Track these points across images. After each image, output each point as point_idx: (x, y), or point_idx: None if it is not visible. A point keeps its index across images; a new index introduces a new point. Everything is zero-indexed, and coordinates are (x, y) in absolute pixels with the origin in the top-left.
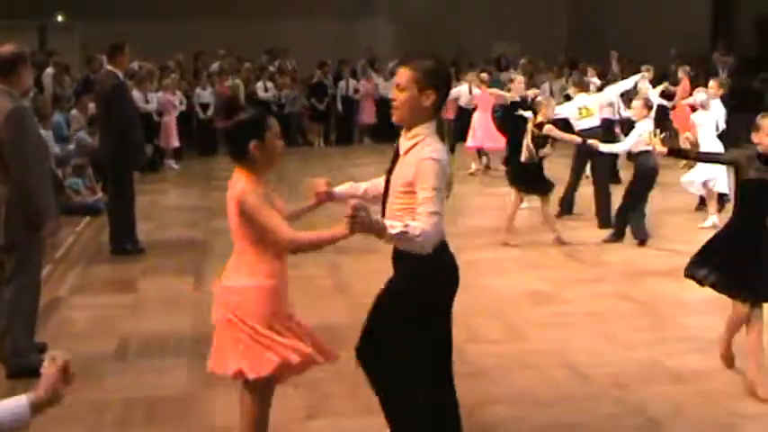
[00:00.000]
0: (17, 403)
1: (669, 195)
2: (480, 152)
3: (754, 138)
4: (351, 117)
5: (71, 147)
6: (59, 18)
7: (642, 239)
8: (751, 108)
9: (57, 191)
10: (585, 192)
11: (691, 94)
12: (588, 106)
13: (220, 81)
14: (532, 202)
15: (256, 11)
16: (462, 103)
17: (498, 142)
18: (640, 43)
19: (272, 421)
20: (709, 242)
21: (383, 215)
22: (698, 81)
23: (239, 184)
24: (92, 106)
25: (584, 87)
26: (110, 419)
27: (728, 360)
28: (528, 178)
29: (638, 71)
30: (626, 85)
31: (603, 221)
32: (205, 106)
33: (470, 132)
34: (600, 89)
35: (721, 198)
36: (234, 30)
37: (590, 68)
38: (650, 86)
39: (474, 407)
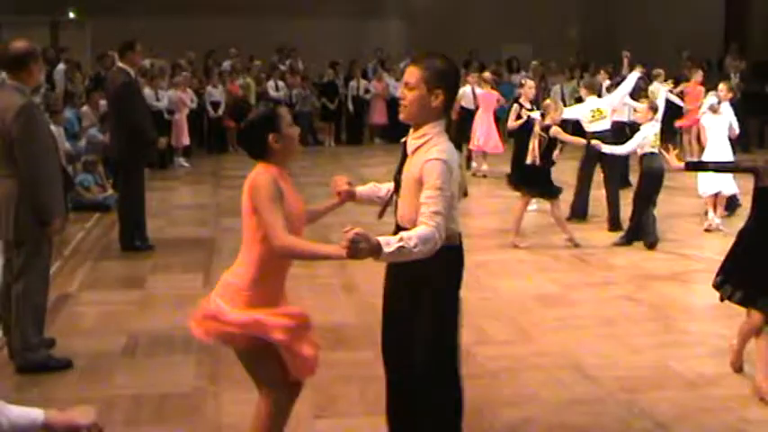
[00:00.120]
0: (34, 416)
1: (677, 199)
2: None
3: None
4: (361, 117)
5: (82, 143)
6: (71, 15)
7: (652, 243)
8: (764, 112)
9: (66, 187)
10: (595, 194)
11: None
12: (601, 109)
13: (231, 80)
14: (541, 203)
15: (268, 9)
16: (464, 103)
17: (497, 147)
18: (653, 46)
19: None
20: (732, 254)
21: (396, 214)
22: (709, 85)
23: (259, 169)
24: (103, 103)
25: (594, 89)
26: (118, 416)
27: (738, 366)
28: (534, 181)
29: (648, 74)
30: (626, 87)
31: (614, 224)
32: (216, 105)
33: (472, 134)
34: (607, 90)
35: (732, 202)
36: (245, 28)
37: (602, 71)
38: (663, 87)
39: (482, 408)
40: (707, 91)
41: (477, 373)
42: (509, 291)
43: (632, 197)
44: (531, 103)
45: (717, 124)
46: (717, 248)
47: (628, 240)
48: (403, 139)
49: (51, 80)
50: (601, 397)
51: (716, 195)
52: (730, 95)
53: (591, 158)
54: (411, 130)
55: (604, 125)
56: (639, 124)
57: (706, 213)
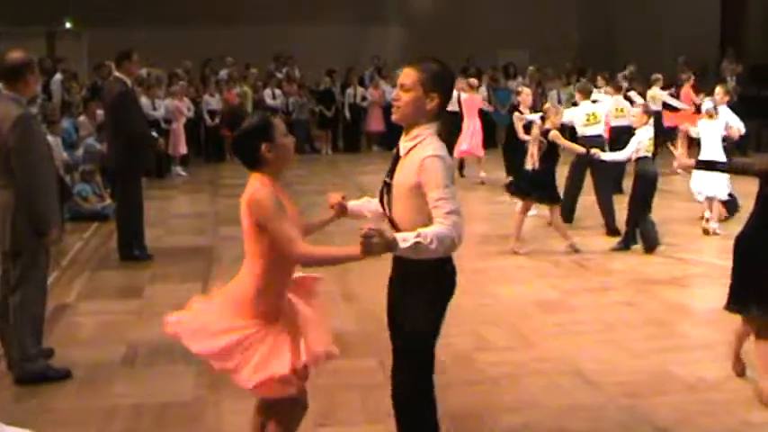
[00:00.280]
0: None
1: (674, 204)
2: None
3: None
4: (358, 125)
5: (79, 153)
6: (68, 25)
7: (650, 247)
8: (761, 115)
9: (63, 197)
10: (592, 200)
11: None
12: (596, 113)
13: (228, 88)
14: (540, 209)
15: (264, 17)
16: (449, 108)
17: (478, 149)
18: (650, 51)
19: None
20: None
21: (388, 214)
22: (704, 89)
23: (254, 184)
24: (100, 113)
25: (588, 94)
26: (118, 426)
27: (740, 369)
28: (537, 186)
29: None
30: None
31: (611, 229)
32: (213, 113)
33: (458, 141)
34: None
35: (732, 205)
36: (243, 36)
37: (598, 76)
38: (661, 92)
39: (483, 415)
40: (701, 94)
41: (477, 380)
42: (509, 297)
43: (627, 202)
44: (530, 109)
45: (711, 129)
46: (715, 252)
47: (625, 245)
48: (395, 150)
49: (48, 90)
50: (601, 402)
51: (710, 200)
52: (727, 98)
53: (580, 164)
54: (403, 133)
55: (598, 130)
56: (635, 129)
57: (702, 218)
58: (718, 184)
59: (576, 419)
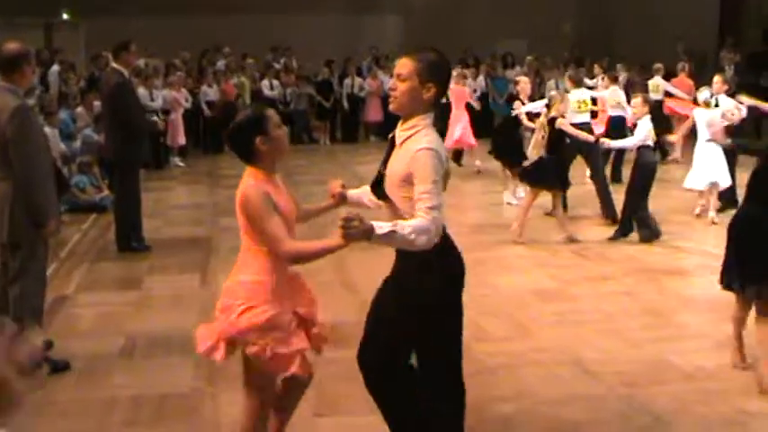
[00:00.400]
0: None
1: (672, 192)
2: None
3: None
4: (356, 115)
5: (77, 144)
6: (65, 16)
7: (651, 238)
8: None
9: (61, 189)
10: (590, 190)
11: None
12: (587, 100)
13: (226, 79)
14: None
15: (262, 7)
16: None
17: (468, 141)
18: (649, 39)
19: None
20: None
21: (381, 203)
22: (703, 78)
23: (247, 180)
24: (97, 104)
25: (579, 82)
26: (118, 417)
27: (741, 357)
28: (541, 174)
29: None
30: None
31: (610, 217)
32: (211, 104)
33: (448, 132)
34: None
35: (730, 196)
36: (240, 26)
37: (596, 65)
38: (664, 81)
39: (481, 405)
40: (699, 84)
41: (475, 370)
42: (507, 286)
43: (625, 190)
44: (530, 98)
45: (708, 118)
46: (713, 241)
47: (623, 234)
48: (391, 135)
49: (46, 82)
50: (600, 392)
51: (713, 186)
52: (725, 88)
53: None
54: (399, 123)
55: (586, 117)
56: (632, 120)
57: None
58: (721, 172)
59: (575, 409)
